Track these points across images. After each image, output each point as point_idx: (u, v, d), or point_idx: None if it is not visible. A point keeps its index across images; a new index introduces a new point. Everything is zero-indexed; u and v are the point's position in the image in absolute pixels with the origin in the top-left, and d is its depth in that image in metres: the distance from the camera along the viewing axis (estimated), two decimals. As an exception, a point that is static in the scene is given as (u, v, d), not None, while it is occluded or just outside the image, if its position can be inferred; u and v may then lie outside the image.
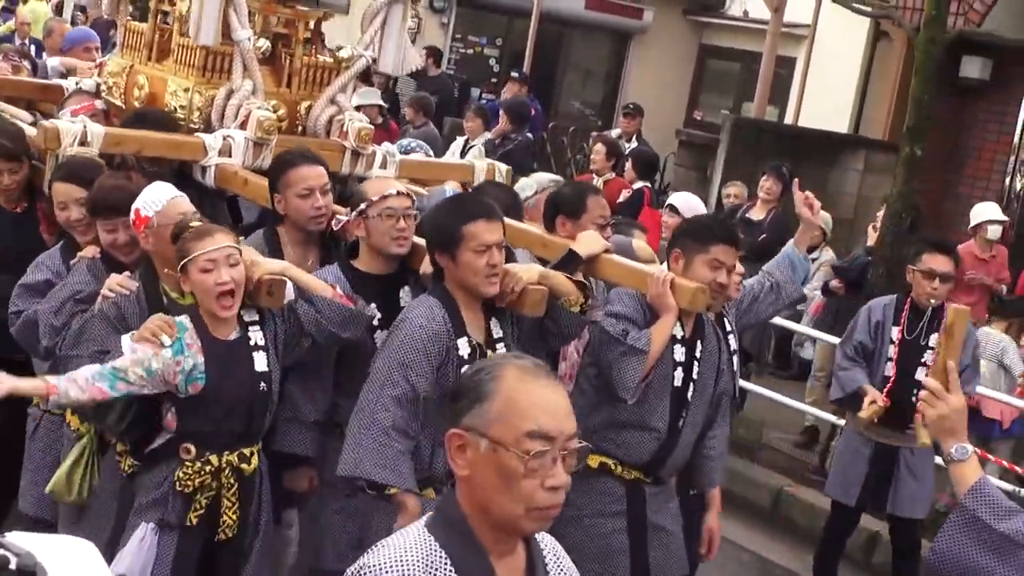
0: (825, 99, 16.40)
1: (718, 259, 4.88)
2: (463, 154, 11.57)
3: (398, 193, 4.84)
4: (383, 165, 5.83)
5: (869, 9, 12.04)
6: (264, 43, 5.74)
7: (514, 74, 14.74)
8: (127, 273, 4.65)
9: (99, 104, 6.06)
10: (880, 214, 10.44)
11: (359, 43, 5.88)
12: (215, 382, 4.30)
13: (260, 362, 4.43)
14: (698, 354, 4.99)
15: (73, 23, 14.62)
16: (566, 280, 4.79)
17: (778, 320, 9.11)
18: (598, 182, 10.57)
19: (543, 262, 5.05)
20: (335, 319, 4.56)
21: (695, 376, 4.97)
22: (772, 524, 8.50)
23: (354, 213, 4.83)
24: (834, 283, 10.01)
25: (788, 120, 16.70)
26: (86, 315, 4.62)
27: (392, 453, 4.33)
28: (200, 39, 5.51)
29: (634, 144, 12.73)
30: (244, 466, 4.43)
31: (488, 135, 11.84)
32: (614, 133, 13.80)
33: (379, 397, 4.36)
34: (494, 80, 18.50)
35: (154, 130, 5.46)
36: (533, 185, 6.14)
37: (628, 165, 11.34)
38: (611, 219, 5.59)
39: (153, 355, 4.18)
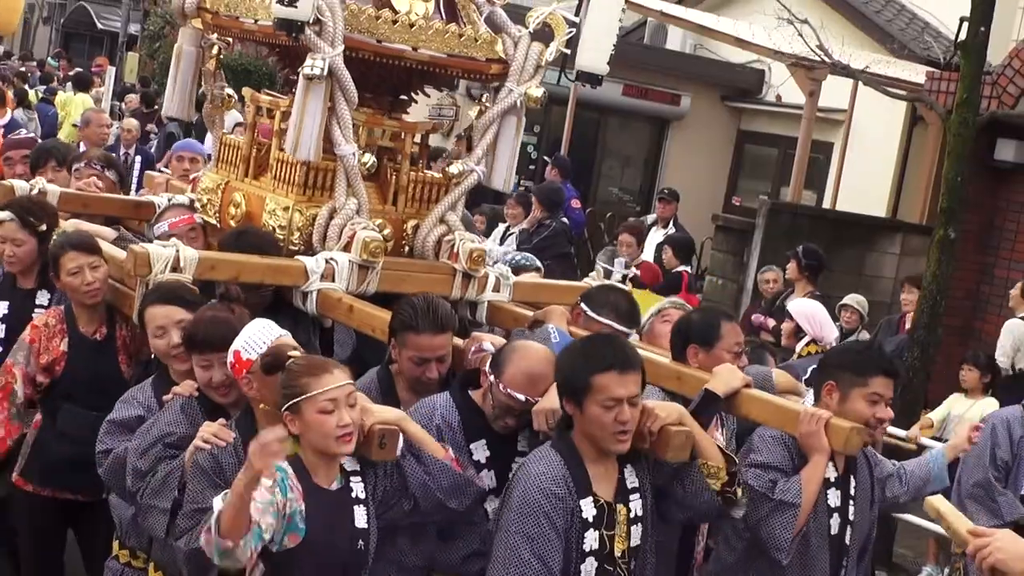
0: (863, 184, 16.43)
1: (878, 392, 4.45)
2: (502, 241, 11.68)
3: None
4: (496, 288, 5.52)
5: (903, 93, 12.08)
6: (370, 159, 5.35)
7: (549, 158, 14.82)
8: (222, 421, 4.23)
9: (198, 219, 5.78)
10: (904, 296, 10.42)
11: (471, 157, 5.54)
12: (317, 535, 3.84)
13: (360, 517, 4.02)
14: (852, 491, 4.57)
15: (111, 114, 15.06)
16: (710, 440, 4.31)
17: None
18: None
19: (672, 396, 4.64)
20: (444, 484, 4.16)
21: (851, 518, 4.55)
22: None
23: (488, 367, 4.42)
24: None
25: (826, 204, 16.71)
26: (174, 463, 4.22)
27: None
28: (300, 154, 5.19)
29: (671, 229, 12.81)
30: None
31: (524, 224, 11.91)
32: (650, 219, 13.87)
33: None
34: (531, 167, 18.62)
35: (253, 251, 5.10)
36: (650, 307, 5.80)
37: (668, 251, 11.45)
38: (744, 344, 5.12)
39: (271, 496, 3.70)
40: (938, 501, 3.54)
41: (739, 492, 4.26)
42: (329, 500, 3.93)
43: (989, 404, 8.82)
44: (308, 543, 3.82)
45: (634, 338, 5.17)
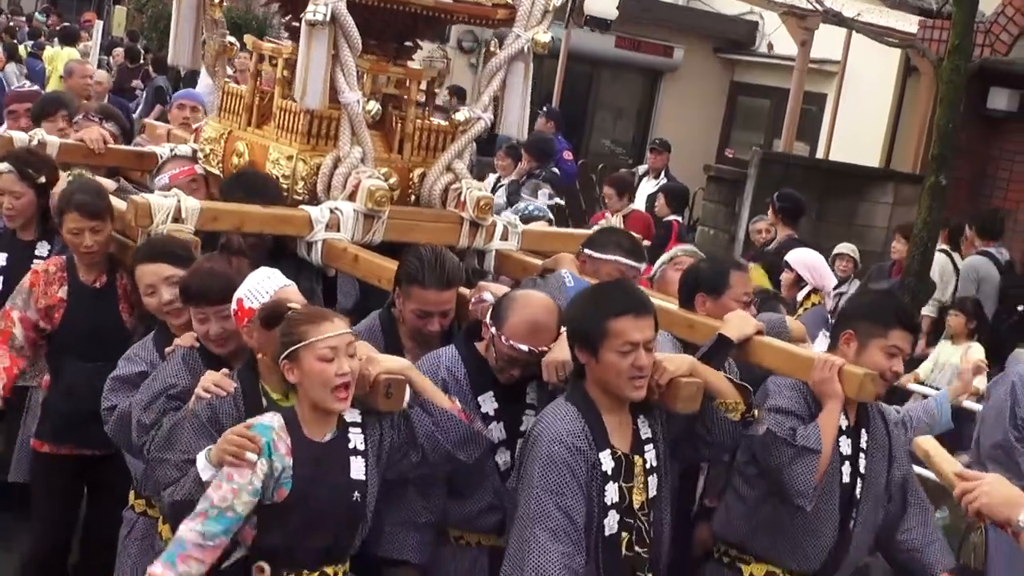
0: (856, 134, 16.46)
1: (897, 346, 4.37)
2: (493, 192, 11.68)
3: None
4: (504, 237, 5.46)
5: (895, 41, 12.09)
6: (374, 106, 5.26)
7: (541, 110, 14.81)
8: (225, 371, 4.14)
9: (199, 169, 5.73)
10: (895, 245, 10.48)
11: (477, 104, 5.49)
12: (303, 488, 3.76)
13: (357, 469, 3.88)
14: (864, 444, 4.47)
15: (99, 67, 14.99)
16: (722, 378, 4.25)
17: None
18: (616, 219, 10.60)
19: (685, 345, 4.60)
20: (452, 436, 4.06)
21: (862, 470, 4.46)
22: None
23: (488, 318, 4.33)
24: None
25: (820, 156, 16.74)
26: (178, 415, 4.12)
27: None
28: (306, 102, 5.09)
29: (662, 180, 12.82)
30: None
31: (513, 176, 11.89)
32: (641, 169, 13.88)
33: (534, 537, 3.82)
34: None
35: (254, 195, 5.01)
36: (662, 255, 5.80)
37: (661, 199, 11.47)
38: (754, 295, 5.05)
39: (252, 475, 3.68)
40: (925, 442, 3.53)
41: (756, 413, 4.24)
42: (319, 453, 3.82)
43: (975, 350, 8.94)
44: (297, 496, 3.75)
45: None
